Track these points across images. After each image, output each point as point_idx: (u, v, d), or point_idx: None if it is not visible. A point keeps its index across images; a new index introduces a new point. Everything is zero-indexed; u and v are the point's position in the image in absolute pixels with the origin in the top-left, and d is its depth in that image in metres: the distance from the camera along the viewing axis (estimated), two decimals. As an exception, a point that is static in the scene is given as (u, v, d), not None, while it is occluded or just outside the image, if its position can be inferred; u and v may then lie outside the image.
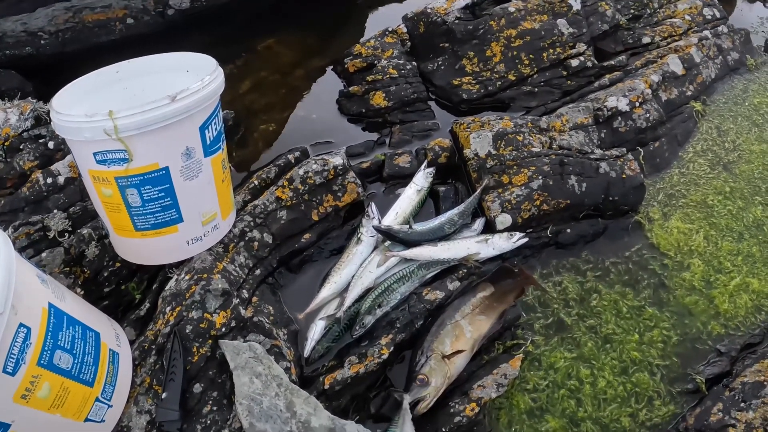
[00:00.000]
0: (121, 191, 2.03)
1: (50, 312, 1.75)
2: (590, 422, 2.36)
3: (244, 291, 2.40)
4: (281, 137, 3.29)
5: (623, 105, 3.26)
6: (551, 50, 3.59)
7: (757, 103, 3.85)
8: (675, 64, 3.66)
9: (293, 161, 2.90)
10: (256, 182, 2.77)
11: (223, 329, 2.20)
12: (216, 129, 2.17)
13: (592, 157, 3.01)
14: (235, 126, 3.25)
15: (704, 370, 2.53)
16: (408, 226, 2.72)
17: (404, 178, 3.01)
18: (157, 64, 2.30)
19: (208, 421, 2.06)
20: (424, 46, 3.69)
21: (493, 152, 2.93)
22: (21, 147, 2.64)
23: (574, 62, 3.59)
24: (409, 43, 3.73)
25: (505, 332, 2.56)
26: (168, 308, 2.22)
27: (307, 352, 2.41)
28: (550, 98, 3.56)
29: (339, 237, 2.81)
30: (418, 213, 2.89)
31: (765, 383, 2.31)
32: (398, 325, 2.43)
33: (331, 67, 3.76)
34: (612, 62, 3.73)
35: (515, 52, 3.55)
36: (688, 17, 4.11)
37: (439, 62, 3.60)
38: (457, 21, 3.59)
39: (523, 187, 2.84)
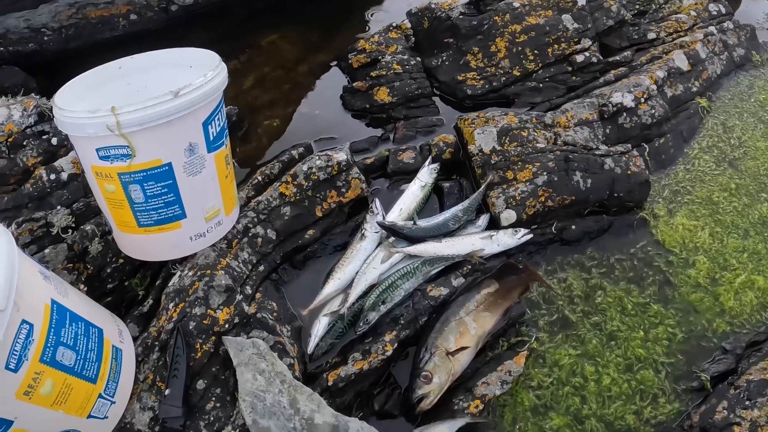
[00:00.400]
0: (124, 187, 2.03)
1: (53, 308, 1.75)
2: (595, 420, 2.35)
3: (248, 287, 2.40)
4: (285, 133, 3.29)
5: (628, 101, 3.25)
6: (556, 46, 3.57)
7: (762, 99, 3.83)
8: (680, 60, 3.65)
9: (297, 157, 2.89)
10: (259, 178, 2.77)
11: (227, 325, 2.20)
12: (219, 125, 2.17)
13: (597, 153, 2.99)
14: (238, 122, 3.25)
15: (709, 368, 2.52)
16: (412, 222, 2.72)
17: (408, 174, 3.00)
18: (160, 60, 2.30)
19: (212, 418, 2.06)
20: (428, 41, 3.68)
21: (498, 148, 2.92)
22: (24, 143, 2.64)
23: (579, 58, 3.58)
24: (413, 38, 3.72)
25: (509, 329, 2.55)
26: (171, 304, 2.21)
27: (310, 348, 2.40)
28: (555, 94, 3.54)
29: (343, 233, 2.80)
30: (423, 209, 2.88)
31: (770, 381, 2.31)
32: (402, 322, 2.42)
33: (335, 62, 3.75)
34: (617, 58, 3.72)
35: (520, 48, 3.54)
36: (693, 13, 4.09)
37: (444, 58, 3.59)
38: (461, 16, 3.58)
39: (527, 183, 2.83)
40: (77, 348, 1.80)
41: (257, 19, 3.95)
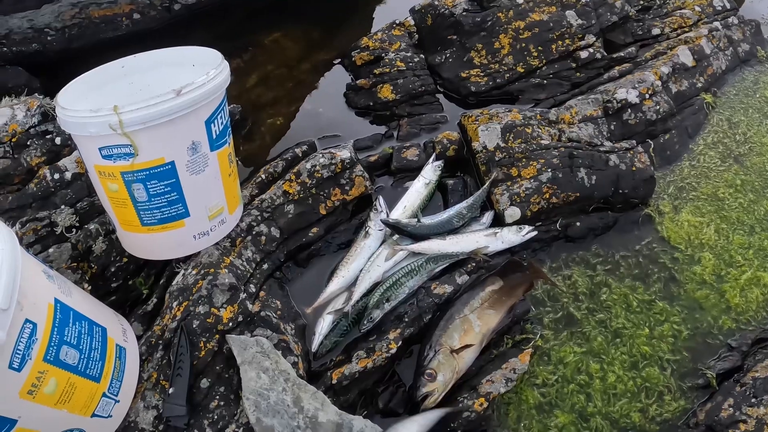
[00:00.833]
0: (127, 186, 2.03)
1: (56, 307, 1.75)
2: (600, 417, 2.35)
3: (252, 285, 2.40)
4: (288, 131, 3.29)
5: (633, 97, 3.24)
6: (560, 42, 3.57)
7: (768, 95, 3.83)
8: (685, 56, 3.64)
9: (300, 155, 2.89)
10: (263, 176, 2.77)
11: (230, 324, 2.20)
12: (222, 123, 2.16)
13: (601, 149, 2.99)
14: (242, 120, 3.25)
15: (715, 365, 2.51)
16: (416, 219, 2.72)
17: (412, 171, 3.00)
18: (163, 59, 2.31)
19: (215, 416, 2.06)
20: (431, 38, 3.67)
21: (502, 145, 2.92)
22: (28, 143, 2.64)
23: (583, 54, 3.57)
24: (416, 35, 3.71)
25: (514, 326, 2.55)
26: (175, 303, 2.21)
27: (314, 346, 2.41)
28: (559, 90, 3.54)
29: (347, 231, 2.80)
30: (427, 206, 2.88)
31: (776, 378, 2.30)
32: (406, 320, 2.42)
33: (338, 60, 3.76)
34: (621, 54, 3.71)
35: (524, 44, 3.53)
36: (698, 8, 4.08)
37: (447, 55, 3.58)
38: (464, 13, 3.58)
39: (532, 180, 2.83)
40: (81, 347, 1.80)
41: (260, 17, 3.95)
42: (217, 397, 2.10)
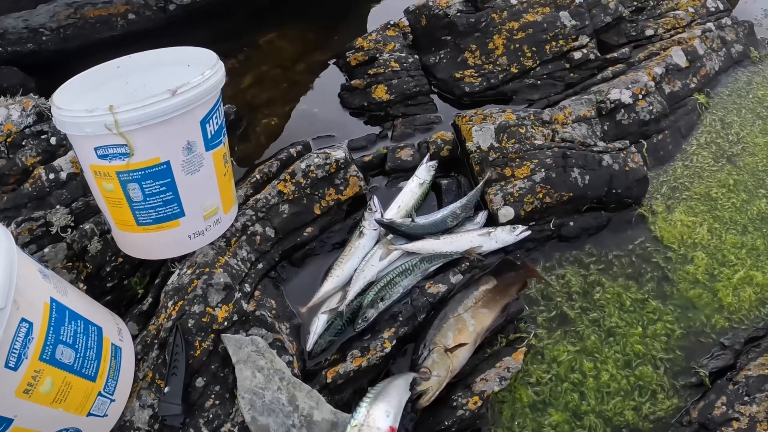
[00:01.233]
0: (122, 186, 2.04)
1: (52, 306, 1.75)
2: (593, 416, 2.36)
3: (247, 285, 2.41)
4: (283, 131, 3.30)
5: (626, 97, 3.25)
6: (554, 43, 3.58)
7: (761, 95, 3.84)
8: (678, 57, 3.65)
9: (295, 155, 2.90)
10: (258, 176, 2.77)
11: (226, 323, 2.20)
12: (217, 123, 2.17)
13: (595, 149, 3.00)
14: (237, 120, 3.26)
15: (708, 364, 2.52)
16: (410, 219, 2.72)
17: (406, 171, 3.01)
18: (158, 59, 2.31)
19: (211, 415, 2.07)
20: (426, 39, 3.68)
21: (496, 145, 2.93)
22: (23, 143, 2.65)
23: (577, 55, 3.59)
24: (411, 36, 3.72)
25: (507, 325, 2.56)
26: (170, 302, 2.22)
27: (309, 345, 2.41)
28: (553, 91, 3.55)
29: (341, 230, 2.81)
30: (421, 206, 2.88)
31: (769, 376, 2.32)
32: (401, 319, 2.42)
33: (333, 60, 3.76)
34: (615, 54, 3.72)
35: (518, 45, 3.54)
36: (691, 9, 4.10)
37: (441, 55, 3.59)
38: (459, 14, 3.59)
39: (525, 180, 2.84)
40: (77, 346, 1.81)
41: (255, 18, 3.96)
42: (213, 396, 2.10)
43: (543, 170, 2.86)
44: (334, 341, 2.47)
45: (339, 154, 2.79)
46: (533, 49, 3.55)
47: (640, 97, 3.30)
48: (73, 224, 2.48)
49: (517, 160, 2.89)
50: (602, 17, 3.79)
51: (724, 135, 3.53)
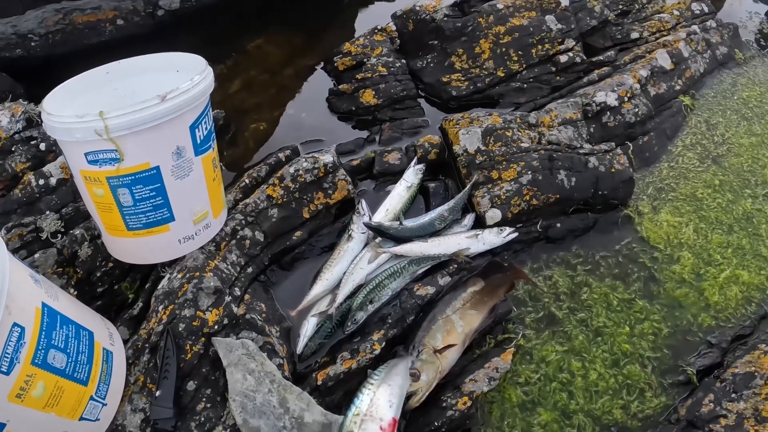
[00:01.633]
0: (112, 191, 2.04)
1: (44, 311, 1.76)
2: (582, 415, 2.38)
3: (237, 289, 2.42)
4: (272, 136, 3.31)
5: (612, 100, 3.28)
6: (540, 46, 3.61)
7: (746, 96, 3.87)
8: (663, 59, 3.68)
9: (284, 159, 2.91)
10: (247, 181, 2.78)
11: (216, 327, 2.21)
12: (206, 128, 2.18)
13: (581, 151, 3.02)
14: (225, 125, 3.27)
15: (695, 362, 2.54)
16: (398, 222, 2.74)
17: (394, 175, 3.03)
18: (147, 65, 2.31)
19: (202, 418, 2.08)
20: (413, 43, 3.71)
21: (483, 148, 2.95)
22: (13, 149, 2.65)
23: (563, 58, 3.61)
24: (398, 40, 3.74)
25: (496, 326, 2.57)
26: (161, 307, 2.23)
27: (299, 348, 2.41)
28: (539, 94, 3.58)
29: (330, 234, 2.82)
30: (409, 209, 2.90)
31: (755, 374, 2.33)
32: (390, 321, 2.44)
33: (321, 65, 3.78)
34: (601, 58, 3.76)
35: (504, 49, 3.57)
36: (676, 12, 4.13)
37: (429, 60, 3.61)
38: (445, 18, 3.62)
39: (512, 183, 2.86)
40: (68, 351, 1.82)
41: (243, 23, 3.97)
42: (204, 399, 2.11)
43: (530, 172, 2.88)
44: (324, 344, 2.47)
45: (327, 158, 2.81)
46: (519, 52, 3.58)
47: (626, 99, 3.33)
48: (63, 230, 2.48)
49: (504, 162, 2.91)
50: (588, 21, 3.82)
51: (709, 136, 3.56)
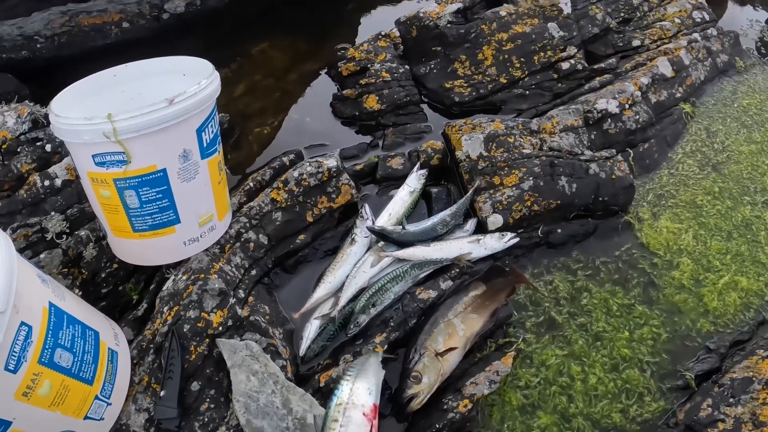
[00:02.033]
0: (119, 193, 2.06)
1: (51, 311, 1.77)
2: (582, 418, 2.39)
3: (241, 291, 2.44)
4: (275, 140, 3.32)
5: (613, 107, 3.30)
6: (542, 53, 3.63)
7: (746, 104, 3.89)
8: (664, 67, 3.70)
9: (288, 163, 2.93)
10: (251, 184, 2.80)
11: (220, 328, 2.23)
12: (212, 132, 2.20)
13: (582, 158, 3.04)
14: (230, 129, 3.28)
15: (694, 367, 2.56)
16: (401, 226, 2.75)
17: (397, 179, 3.05)
18: (154, 68, 2.33)
19: (206, 419, 2.09)
20: (416, 49, 3.72)
21: (485, 154, 2.96)
22: (18, 150, 2.66)
23: (565, 65, 3.63)
24: (401, 46, 3.76)
25: (497, 330, 2.59)
26: (166, 308, 2.24)
27: (302, 350, 2.43)
28: (541, 101, 3.59)
29: (333, 238, 2.84)
30: (411, 214, 2.91)
31: (753, 379, 2.34)
32: (392, 324, 2.45)
33: (325, 70, 3.79)
34: (602, 65, 3.77)
35: (506, 56, 3.58)
36: (677, 20, 4.14)
37: (432, 66, 3.63)
38: (449, 25, 3.63)
39: (514, 188, 2.88)
40: (74, 350, 1.83)
41: (247, 27, 3.98)
42: (208, 399, 2.13)
43: (531, 179, 2.90)
44: (327, 346, 2.49)
45: (331, 162, 2.83)
46: (522, 59, 3.59)
47: (627, 106, 3.35)
48: (68, 231, 2.49)
49: (506, 168, 2.93)
50: (590, 28, 3.84)
51: (709, 143, 3.58)
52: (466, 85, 3.55)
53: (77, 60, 3.42)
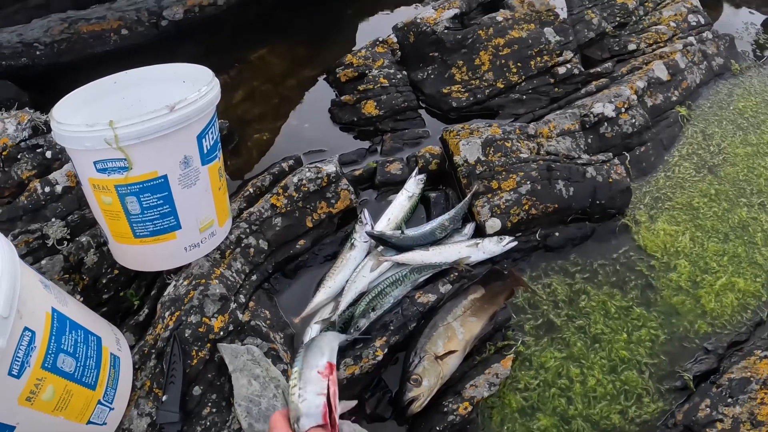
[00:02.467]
0: (120, 199, 2.07)
1: (53, 316, 1.78)
2: (581, 420, 2.40)
3: (241, 296, 2.45)
4: (275, 146, 3.33)
5: (609, 111, 3.32)
6: (539, 58, 3.64)
7: (741, 107, 3.91)
8: (660, 70, 3.72)
9: (287, 169, 2.94)
10: (251, 190, 2.81)
11: (222, 333, 2.23)
12: (213, 138, 2.21)
13: (579, 162, 3.06)
14: (229, 135, 3.29)
15: (692, 368, 2.57)
16: (400, 231, 2.76)
17: (396, 184, 3.06)
18: (154, 75, 2.34)
19: (208, 423, 2.10)
20: (414, 55, 3.74)
21: (483, 158, 2.98)
22: (19, 156, 2.67)
23: (561, 70, 3.65)
24: (399, 52, 3.77)
25: (496, 333, 2.60)
26: (167, 313, 2.25)
27: (303, 354, 2.44)
28: (538, 105, 3.61)
29: (333, 243, 2.85)
30: (410, 218, 2.93)
31: (751, 379, 2.35)
32: (392, 328, 2.46)
33: (323, 76, 3.80)
34: (598, 69, 3.79)
35: (503, 61, 3.60)
36: (673, 24, 4.16)
37: (429, 71, 3.65)
38: (446, 31, 3.65)
39: (511, 192, 2.89)
40: (77, 355, 1.84)
41: (246, 34, 3.99)
42: (210, 404, 2.13)
43: (529, 182, 2.91)
44: (327, 350, 2.50)
45: (330, 168, 2.84)
46: (518, 64, 3.61)
47: (623, 110, 3.37)
48: (69, 237, 2.50)
49: (504, 173, 2.94)
50: (586, 33, 3.86)
51: (705, 146, 3.60)
52: (463, 90, 3.56)
53: (77, 67, 3.44)
